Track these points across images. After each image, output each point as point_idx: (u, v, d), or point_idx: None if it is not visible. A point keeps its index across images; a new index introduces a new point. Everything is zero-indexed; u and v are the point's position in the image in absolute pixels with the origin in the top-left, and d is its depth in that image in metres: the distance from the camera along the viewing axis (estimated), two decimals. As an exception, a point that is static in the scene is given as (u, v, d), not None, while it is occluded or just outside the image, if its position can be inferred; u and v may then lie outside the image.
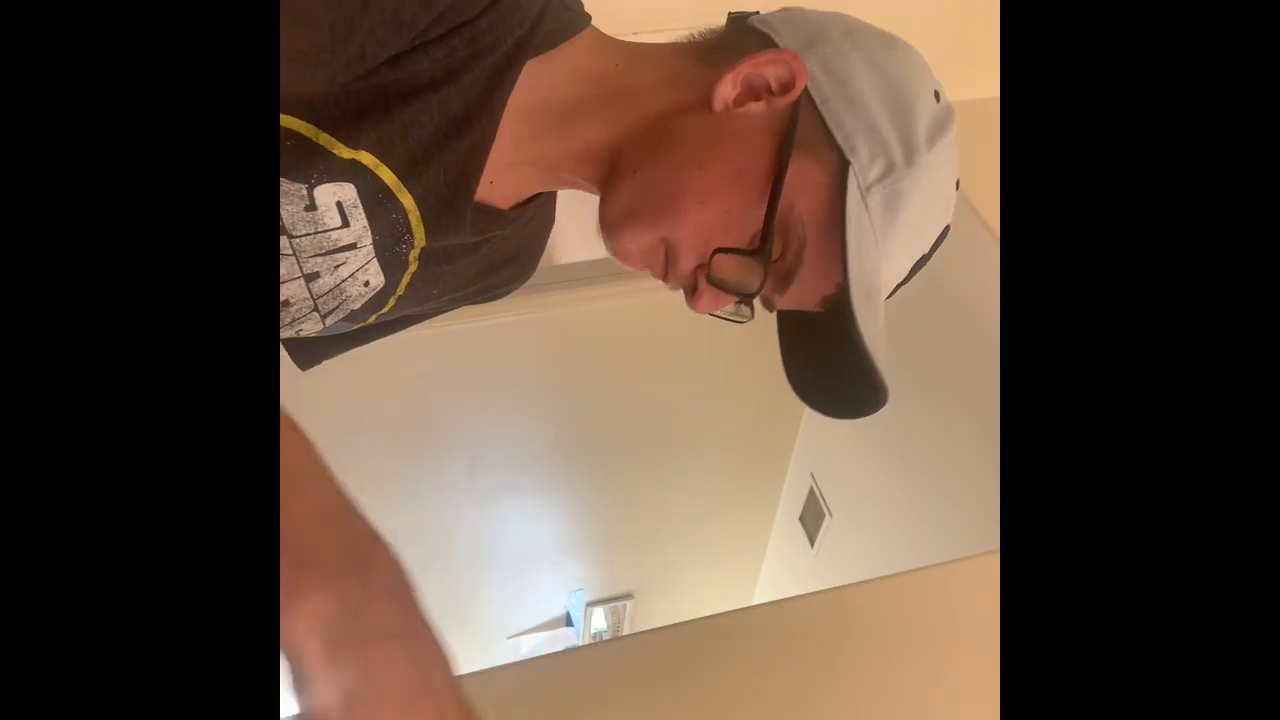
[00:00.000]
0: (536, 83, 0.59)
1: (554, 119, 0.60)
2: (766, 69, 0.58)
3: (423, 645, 0.37)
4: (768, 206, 0.56)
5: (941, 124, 0.59)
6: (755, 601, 3.55)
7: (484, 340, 2.09)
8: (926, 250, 0.62)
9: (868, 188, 0.56)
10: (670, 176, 0.58)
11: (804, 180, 0.56)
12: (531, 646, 3.45)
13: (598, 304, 2.04)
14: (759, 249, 0.56)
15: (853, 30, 0.60)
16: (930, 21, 2.01)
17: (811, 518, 2.99)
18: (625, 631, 3.54)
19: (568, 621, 3.47)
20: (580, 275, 1.99)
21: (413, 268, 0.62)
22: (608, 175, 0.61)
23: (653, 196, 0.58)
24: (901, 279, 0.62)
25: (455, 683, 0.38)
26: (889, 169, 0.56)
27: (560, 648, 3.25)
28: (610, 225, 0.61)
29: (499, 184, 0.62)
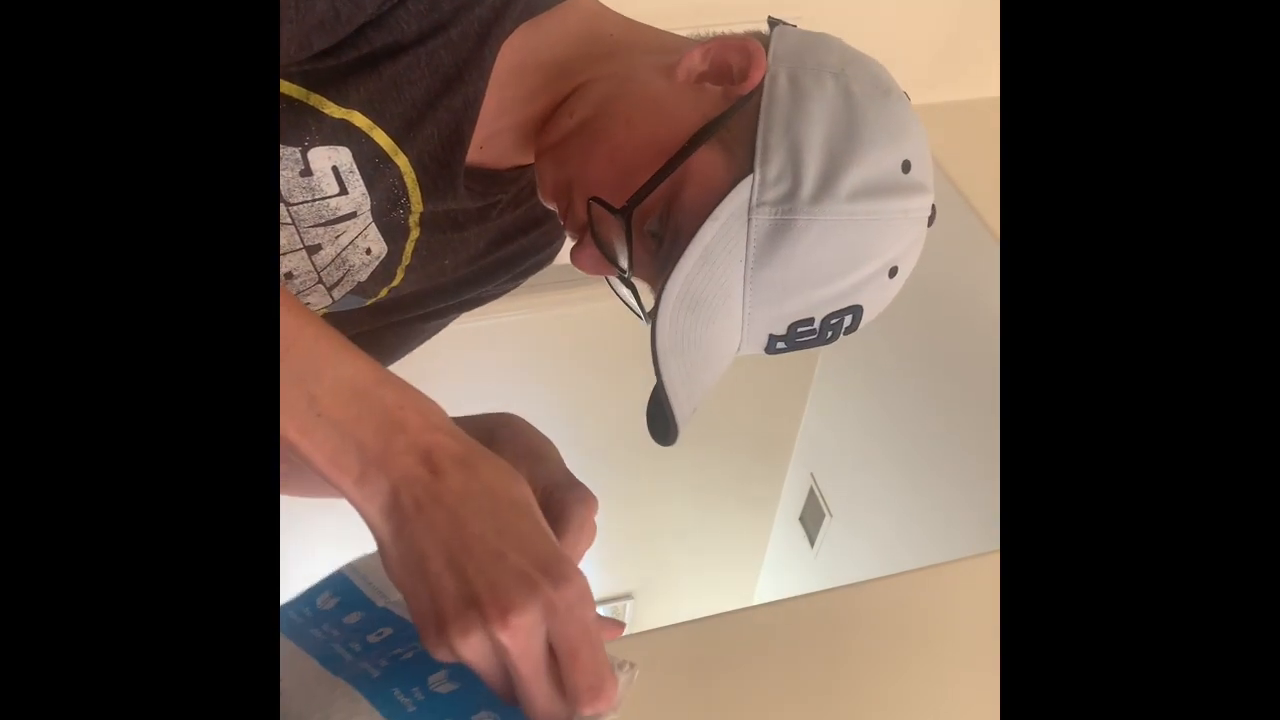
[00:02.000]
0: (526, 44, 0.58)
1: (542, 79, 0.60)
2: (731, 54, 0.56)
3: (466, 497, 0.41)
4: (651, 176, 0.53)
5: (884, 190, 0.53)
6: (755, 601, 3.55)
7: (484, 340, 2.09)
8: (811, 319, 0.55)
9: (758, 204, 0.52)
10: (599, 127, 0.57)
11: (706, 170, 0.53)
12: (532, 646, 3.44)
13: (598, 304, 2.04)
14: (620, 208, 0.53)
15: (852, 63, 0.56)
16: (930, 21, 2.01)
17: (811, 518, 2.99)
18: (625, 631, 3.53)
19: (568, 621, 3.46)
20: (580, 275, 1.99)
21: (415, 233, 0.62)
22: (553, 110, 0.60)
23: (576, 141, 0.57)
24: (780, 332, 0.55)
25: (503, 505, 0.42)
26: (790, 195, 0.51)
27: (560, 648, 3.23)
28: (537, 154, 0.60)
29: (488, 149, 0.62)
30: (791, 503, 3.14)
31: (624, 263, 0.56)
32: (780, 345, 0.56)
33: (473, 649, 0.39)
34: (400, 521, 0.41)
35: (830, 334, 0.56)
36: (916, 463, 2.33)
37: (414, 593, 0.40)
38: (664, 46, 0.60)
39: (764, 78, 0.55)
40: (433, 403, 0.44)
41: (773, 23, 0.61)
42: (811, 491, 2.94)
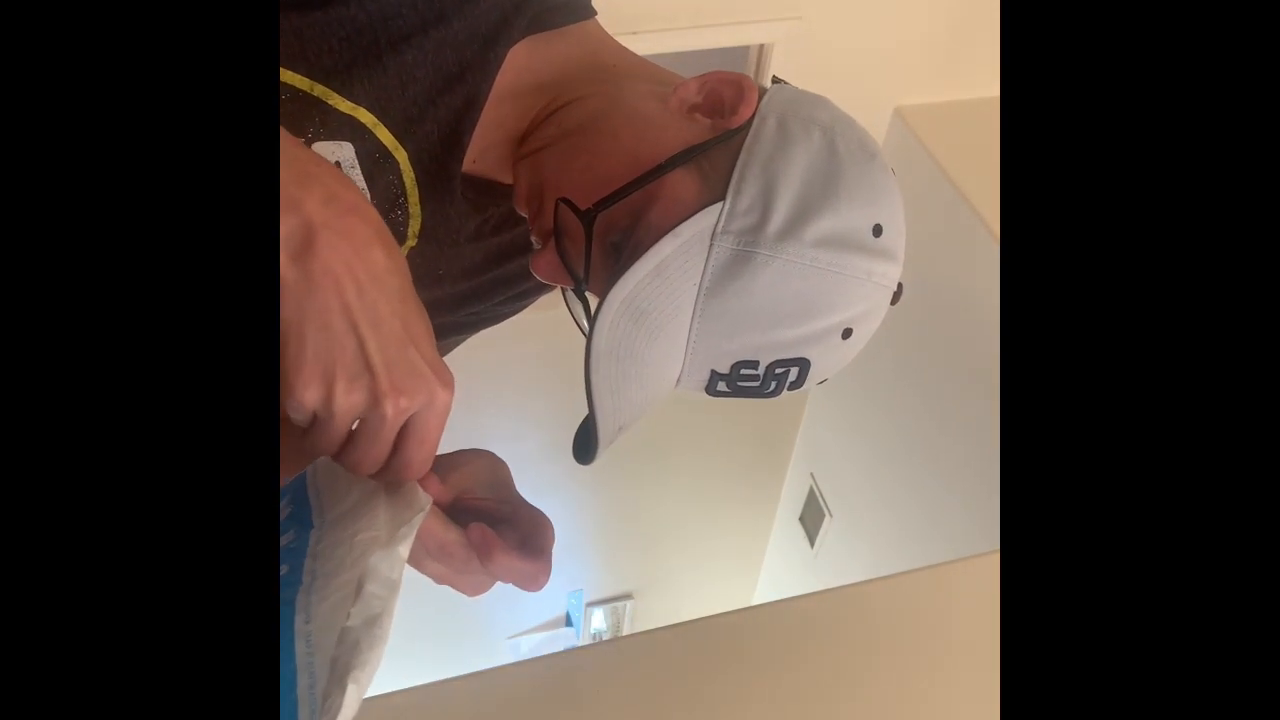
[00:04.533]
0: (529, 63, 0.58)
1: (537, 99, 0.60)
2: (724, 87, 0.57)
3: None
4: (620, 187, 0.53)
5: (850, 245, 0.52)
6: (755, 601, 3.56)
7: (483, 340, 2.09)
8: (756, 362, 0.54)
9: (723, 231, 0.51)
10: (582, 137, 0.57)
11: (678, 191, 0.53)
12: (531, 646, 3.46)
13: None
14: (584, 211, 0.53)
15: (842, 122, 0.56)
16: (930, 21, 2.01)
17: (811, 518, 2.99)
18: (625, 631, 3.55)
19: (568, 621, 3.48)
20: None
21: (411, 243, 0.61)
22: (541, 121, 0.60)
23: (558, 148, 0.58)
24: (724, 369, 0.54)
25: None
26: (755, 229, 0.51)
27: (560, 648, 3.25)
28: (516, 160, 0.60)
29: (481, 163, 0.62)
30: (791, 503, 3.15)
31: (580, 270, 0.55)
32: (721, 386, 0.56)
33: (349, 404, 0.42)
34: (311, 270, 0.41)
35: (774, 384, 0.55)
36: (916, 463, 2.34)
37: (302, 337, 0.41)
38: (662, 79, 0.61)
39: (753, 116, 0.55)
40: (348, 179, 0.45)
41: (775, 81, 0.62)
42: (811, 491, 2.95)
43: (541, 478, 2.67)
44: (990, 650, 1.01)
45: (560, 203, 0.54)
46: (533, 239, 0.60)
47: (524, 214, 0.61)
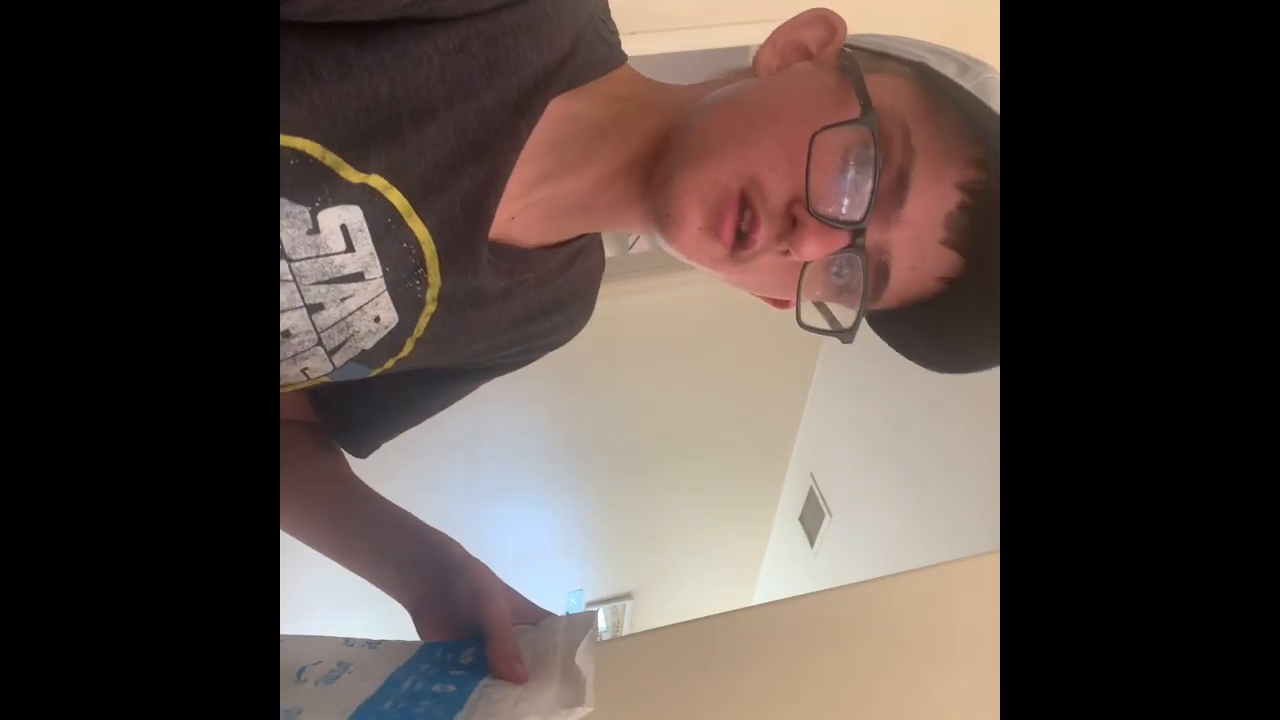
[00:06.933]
0: (565, 114, 0.55)
1: (582, 151, 0.57)
2: (803, 31, 0.57)
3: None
4: (856, 87, 0.51)
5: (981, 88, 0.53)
6: (755, 601, 3.56)
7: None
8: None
9: (952, 78, 0.53)
10: (736, 108, 0.54)
11: (883, 89, 0.52)
12: (531, 646, 3.45)
13: (601, 304, 2.04)
14: (863, 116, 0.50)
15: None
16: (930, 21, 2.01)
17: (811, 518, 2.99)
18: (625, 631, 3.55)
19: (567, 621, 3.47)
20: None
21: (430, 308, 0.58)
22: (655, 161, 0.55)
23: (721, 128, 0.53)
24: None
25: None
26: (961, 71, 0.53)
27: (560, 648, 3.24)
28: (668, 174, 0.54)
29: (520, 220, 0.58)
30: (791, 503, 3.15)
31: (866, 192, 0.49)
32: None
33: None
34: None
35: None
36: (916, 462, 2.34)
37: None
38: (710, 83, 0.59)
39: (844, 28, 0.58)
40: None
41: None
42: (811, 491, 2.95)
43: (542, 477, 2.68)
44: (990, 650, 1.01)
45: (821, 132, 0.49)
46: (752, 242, 0.52)
47: (697, 223, 0.53)
